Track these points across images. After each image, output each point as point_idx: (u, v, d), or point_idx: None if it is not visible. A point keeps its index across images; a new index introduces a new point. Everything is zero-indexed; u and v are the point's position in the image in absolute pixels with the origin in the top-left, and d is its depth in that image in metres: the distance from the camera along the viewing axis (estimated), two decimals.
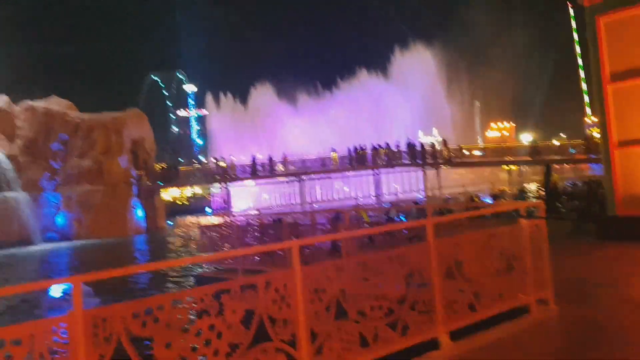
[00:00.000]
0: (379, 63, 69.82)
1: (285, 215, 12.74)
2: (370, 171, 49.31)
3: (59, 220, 41.21)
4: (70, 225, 40.87)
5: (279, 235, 12.13)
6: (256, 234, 13.29)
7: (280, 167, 45.09)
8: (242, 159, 47.97)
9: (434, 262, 5.79)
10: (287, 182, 48.87)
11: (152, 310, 4.01)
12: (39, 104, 43.66)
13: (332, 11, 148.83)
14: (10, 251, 34.92)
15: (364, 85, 67.77)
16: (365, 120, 62.59)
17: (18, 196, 39.01)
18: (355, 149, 45.40)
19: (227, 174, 44.40)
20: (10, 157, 40.23)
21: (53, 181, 41.74)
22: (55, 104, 44.43)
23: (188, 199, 66.64)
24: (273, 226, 12.89)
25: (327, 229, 11.26)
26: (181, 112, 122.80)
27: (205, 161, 55.79)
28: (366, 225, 11.74)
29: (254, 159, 44.86)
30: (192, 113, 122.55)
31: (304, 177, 46.82)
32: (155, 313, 4.03)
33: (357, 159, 45.13)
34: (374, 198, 48.09)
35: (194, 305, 4.17)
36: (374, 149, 45.47)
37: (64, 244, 37.68)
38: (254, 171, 44.50)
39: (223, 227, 14.25)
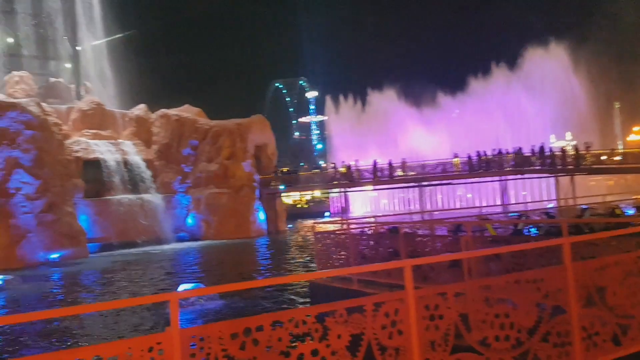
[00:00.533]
0: (508, 62, 65.39)
1: (402, 224, 12.14)
2: (495, 178, 46.33)
3: (189, 221, 43.72)
4: (199, 226, 43.20)
5: (394, 246, 11.58)
6: (371, 242, 12.83)
7: (399, 173, 44.11)
8: (361, 163, 47.81)
9: (572, 287, 5.02)
10: (406, 188, 47.83)
11: (251, 330, 3.74)
12: (173, 111, 46.73)
13: (454, 11, 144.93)
14: (146, 249, 37.66)
15: (490, 86, 63.92)
16: (490, 124, 58.86)
17: (154, 198, 41.95)
18: (479, 154, 43.13)
19: (346, 179, 44.38)
20: (147, 162, 43.42)
21: (184, 184, 44.39)
22: (187, 111, 47.29)
23: (308, 202, 67.87)
24: (388, 236, 12.35)
25: (448, 241, 10.53)
26: (302, 119, 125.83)
27: (325, 165, 56.37)
28: (490, 239, 10.82)
29: (375, 164, 44.27)
30: (312, 120, 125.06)
31: (423, 183, 45.48)
32: (254, 334, 3.74)
33: (481, 165, 42.85)
34: (499, 207, 45.42)
35: (295, 327, 3.83)
36: (500, 153, 42.98)
37: (193, 244, 39.86)
38: (375, 176, 43.83)
39: (337, 235, 13.94)
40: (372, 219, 16.74)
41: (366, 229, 14.19)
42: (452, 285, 4.68)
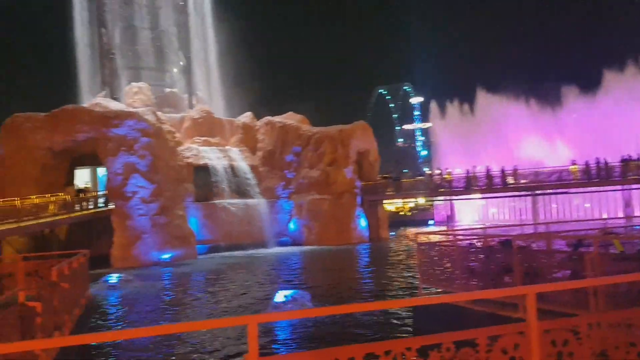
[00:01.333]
0: (629, 61, 58.84)
1: (515, 236, 11.12)
2: (618, 187, 42.30)
3: (291, 226, 44.24)
4: (301, 231, 43.57)
5: (507, 261, 10.59)
6: (480, 255, 11.90)
7: (510, 180, 41.63)
8: (468, 169, 45.86)
9: None
10: (517, 196, 45.13)
11: None
12: (277, 118, 47.66)
13: (567, 9, 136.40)
14: (250, 252, 38.57)
15: (611, 87, 58.01)
16: (614, 128, 53.04)
17: (258, 203, 42.94)
18: (598, 161, 39.69)
19: (451, 186, 42.72)
20: (252, 167, 44.56)
21: (287, 190, 45.01)
22: (290, 118, 48.03)
23: (411, 210, 66.44)
24: (501, 249, 11.36)
25: (568, 257, 9.42)
26: (406, 126, 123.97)
27: (429, 172, 54.80)
28: (617, 257, 9.54)
29: (488, 170, 42.11)
30: (416, 126, 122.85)
31: (537, 191, 42.67)
32: None
33: (601, 173, 39.42)
34: (622, 220, 41.19)
35: None
36: (624, 160, 39.27)
37: (295, 249, 40.27)
38: (489, 184, 41.55)
39: (443, 246, 13.10)
40: (481, 230, 15.63)
41: (474, 241, 13.23)
42: (585, 317, 3.89)
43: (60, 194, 30.70)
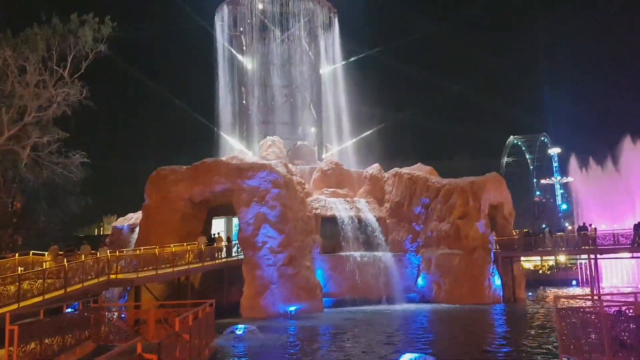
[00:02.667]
0: None
1: None
2: None
3: (420, 281, 42.62)
4: (430, 287, 41.74)
5: None
6: (632, 325, 10.27)
7: None
8: (614, 226, 41.53)
9: None
10: None
11: None
12: (405, 170, 47.06)
13: None
14: (376, 308, 37.58)
15: None
16: None
17: (385, 256, 42.08)
18: None
19: (595, 243, 38.72)
20: (379, 219, 44.06)
21: (415, 243, 43.72)
22: (418, 169, 47.19)
23: (550, 268, 61.40)
24: None
25: None
26: (545, 180, 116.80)
27: (570, 228, 50.47)
28: None
29: (638, 226, 37.78)
30: (556, 181, 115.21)
31: None
32: None
33: None
34: None
35: None
36: None
37: (423, 306, 38.49)
38: (634, 241, 37.31)
39: (587, 313, 11.52)
40: (632, 295, 13.64)
41: (624, 308, 11.53)
42: None
43: (194, 242, 32.39)
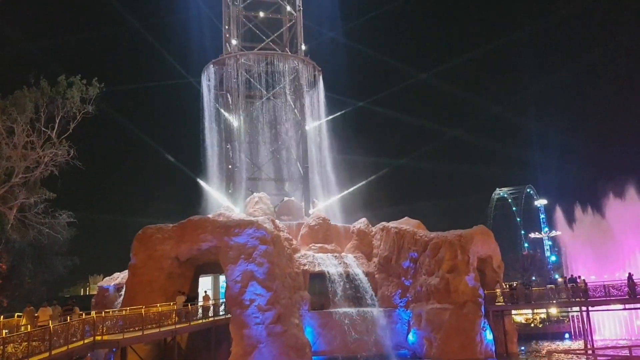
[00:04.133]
0: None
1: None
2: None
3: (411, 337, 41.97)
4: (421, 343, 41.09)
5: None
6: None
7: None
8: (604, 277, 41.53)
9: None
10: None
11: None
12: (392, 224, 47.16)
13: None
14: None
15: None
16: None
17: (375, 312, 41.56)
18: None
19: (586, 295, 38.58)
20: (368, 274, 43.79)
21: (404, 298, 43.30)
22: (406, 223, 47.31)
23: (542, 321, 60.76)
24: None
25: None
26: (533, 234, 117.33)
27: (560, 280, 50.34)
28: None
29: (629, 277, 37.69)
30: (544, 235, 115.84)
31: None
32: None
33: None
34: None
35: None
36: None
37: None
38: (632, 292, 36.99)
39: None
40: (627, 349, 13.59)
41: None
42: None
43: (171, 303, 31.22)
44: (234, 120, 55.99)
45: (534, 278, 72.11)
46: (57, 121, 34.81)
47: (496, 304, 41.40)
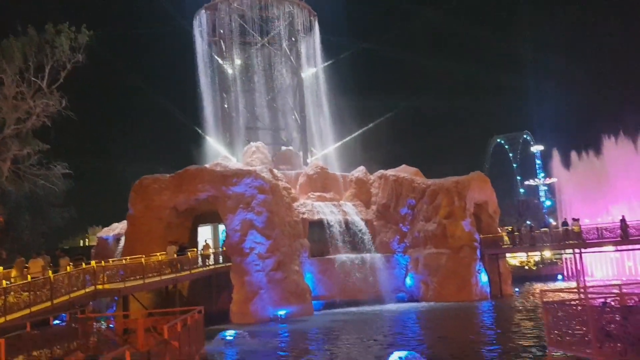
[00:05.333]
0: None
1: None
2: None
3: (408, 281, 42.83)
4: (418, 286, 41.99)
5: None
6: (617, 317, 10.43)
7: None
8: (598, 220, 42.06)
9: None
10: None
11: None
12: (390, 172, 47.24)
13: None
14: (365, 309, 37.67)
15: None
16: None
17: (373, 257, 42.22)
18: None
19: (579, 238, 39.14)
20: (366, 222, 44.17)
21: (402, 244, 43.92)
22: (404, 171, 47.40)
23: (536, 263, 61.99)
24: None
25: None
26: (529, 182, 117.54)
27: (555, 223, 51.06)
28: None
29: (622, 220, 38.22)
30: (540, 182, 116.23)
31: None
32: None
33: None
34: None
35: None
36: None
37: (412, 305, 38.77)
38: (624, 235, 37.59)
39: (572, 306, 11.69)
40: (616, 287, 13.88)
41: (610, 300, 11.71)
42: None
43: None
44: (228, 68, 55.10)
45: (528, 222, 72.91)
46: (47, 71, 34.04)
47: (503, 246, 41.95)
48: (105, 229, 50.07)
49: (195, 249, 34.22)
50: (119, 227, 45.48)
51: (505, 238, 42.65)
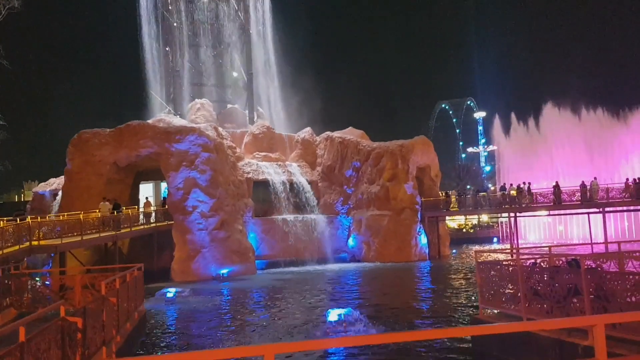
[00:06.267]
0: None
1: (583, 256, 10.20)
2: None
3: (351, 242, 43.67)
4: (360, 247, 42.90)
5: (574, 282, 9.73)
6: (545, 276, 11.03)
7: (578, 196, 39.51)
8: (533, 186, 43.89)
9: None
10: (586, 214, 42.70)
11: None
12: (336, 134, 47.46)
13: None
14: (308, 268, 38.29)
15: None
16: None
17: (317, 218, 42.69)
18: None
19: (515, 203, 40.94)
20: (311, 183, 44.47)
21: (346, 205, 44.57)
22: (350, 133, 47.71)
23: (473, 227, 64.38)
24: (568, 270, 10.47)
25: None
26: (471, 149, 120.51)
27: (493, 188, 52.93)
28: None
29: (557, 185, 40.15)
30: (481, 149, 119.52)
31: (607, 209, 40.23)
32: None
33: None
34: None
35: None
36: None
37: (353, 265, 39.65)
38: (556, 200, 39.63)
39: (504, 266, 12.28)
40: (547, 249, 14.64)
41: (539, 260, 12.34)
42: None
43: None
44: (174, 21, 53.21)
45: (468, 187, 75.22)
46: None
47: (450, 209, 43.32)
48: (42, 184, 48.30)
49: (136, 207, 33.51)
50: (56, 182, 43.99)
51: (453, 199, 44.10)
